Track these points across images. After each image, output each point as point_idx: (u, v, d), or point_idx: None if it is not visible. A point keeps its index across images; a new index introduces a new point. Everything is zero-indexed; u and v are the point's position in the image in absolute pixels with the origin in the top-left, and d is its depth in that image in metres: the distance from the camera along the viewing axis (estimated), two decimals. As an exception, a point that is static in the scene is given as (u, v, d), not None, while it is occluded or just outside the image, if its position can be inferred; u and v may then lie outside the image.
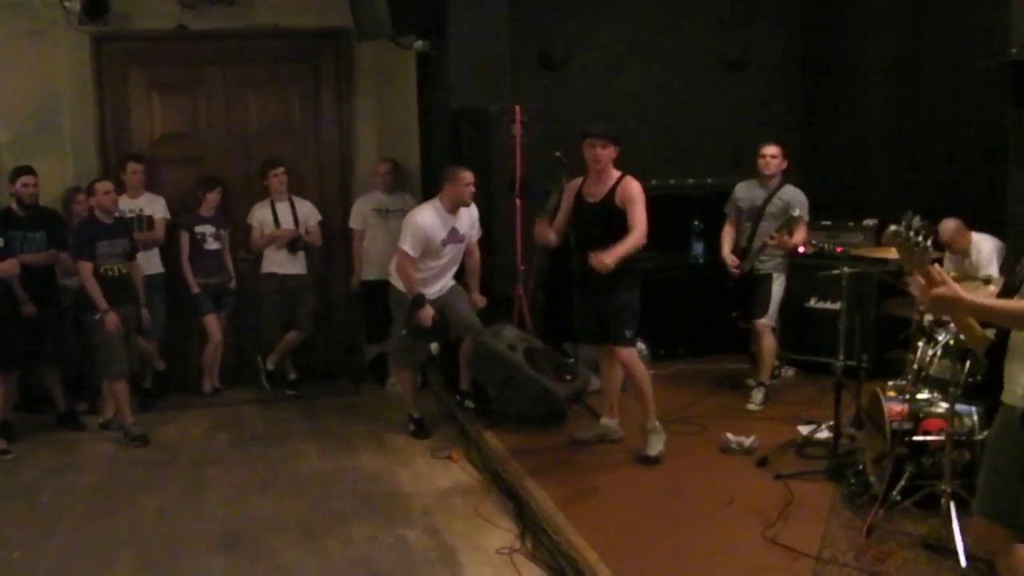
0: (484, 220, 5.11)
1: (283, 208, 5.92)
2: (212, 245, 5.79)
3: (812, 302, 5.72)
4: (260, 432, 5.37)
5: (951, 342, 3.66)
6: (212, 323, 5.82)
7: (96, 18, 5.57)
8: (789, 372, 5.71)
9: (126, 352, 5.08)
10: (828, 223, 5.78)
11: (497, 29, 5.47)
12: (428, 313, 4.78)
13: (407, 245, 4.76)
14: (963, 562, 3.07)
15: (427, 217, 4.80)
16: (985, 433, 3.49)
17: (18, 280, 4.94)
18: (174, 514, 4.18)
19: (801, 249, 5.24)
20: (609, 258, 4.12)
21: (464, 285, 5.17)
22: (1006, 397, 2.46)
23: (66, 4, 5.57)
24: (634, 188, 4.30)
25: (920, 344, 3.92)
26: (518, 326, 5.18)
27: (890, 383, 3.93)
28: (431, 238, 4.79)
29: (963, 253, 4.77)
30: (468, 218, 4.97)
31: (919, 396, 3.70)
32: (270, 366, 6.04)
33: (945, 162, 5.71)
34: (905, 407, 3.63)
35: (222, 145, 6.12)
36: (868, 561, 3.24)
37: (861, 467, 3.87)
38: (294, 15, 6.03)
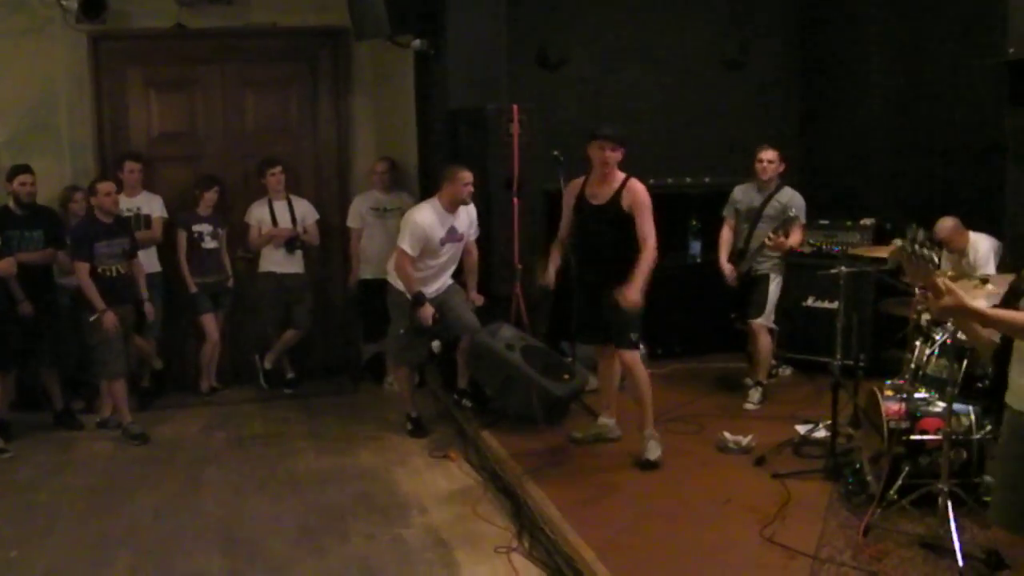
0: (482, 219, 5.11)
1: (281, 207, 5.92)
2: (210, 244, 5.78)
3: (810, 301, 5.73)
4: (258, 431, 5.36)
5: (948, 341, 3.66)
6: (209, 323, 5.81)
7: (93, 17, 5.56)
8: (787, 371, 5.72)
9: (124, 351, 5.08)
10: (826, 222, 5.79)
11: (495, 28, 5.47)
12: (428, 312, 4.78)
13: (406, 244, 4.76)
14: (960, 561, 3.08)
15: (426, 216, 4.80)
16: (982, 432, 3.52)
17: (15, 279, 4.93)
18: (171, 513, 4.18)
19: (799, 248, 5.24)
20: (633, 293, 4.10)
21: (462, 284, 5.17)
22: (1013, 402, 2.47)
23: (63, 3, 5.56)
24: (642, 193, 4.26)
25: (917, 343, 3.93)
26: (515, 325, 5.18)
27: (887, 382, 3.94)
28: (430, 237, 4.79)
29: (960, 252, 4.77)
30: (466, 217, 4.97)
31: (916, 395, 3.70)
32: (268, 365, 6.04)
33: (943, 161, 5.72)
34: (902, 406, 3.63)
35: (220, 144, 6.11)
36: (865, 560, 3.24)
37: (858, 466, 3.88)
38: (292, 14, 6.03)
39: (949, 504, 3.26)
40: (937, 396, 3.66)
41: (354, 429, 5.31)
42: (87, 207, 5.27)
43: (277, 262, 5.91)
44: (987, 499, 3.44)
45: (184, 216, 5.77)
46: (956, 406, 3.46)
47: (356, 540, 3.87)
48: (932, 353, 3.83)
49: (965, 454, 3.51)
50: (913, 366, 3.87)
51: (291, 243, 5.88)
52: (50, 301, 5.17)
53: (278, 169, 5.87)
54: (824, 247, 5.37)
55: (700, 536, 3.56)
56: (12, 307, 4.95)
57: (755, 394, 5.14)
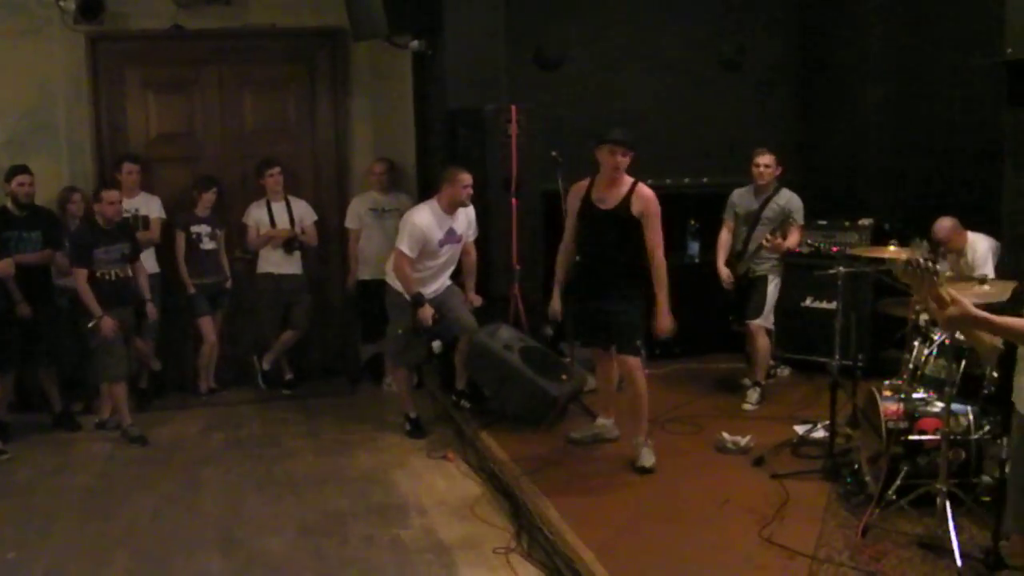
0: (480, 220, 5.11)
1: (279, 208, 5.92)
2: (208, 245, 5.78)
3: (808, 302, 5.73)
4: (256, 432, 5.36)
5: (947, 342, 3.66)
6: (207, 325, 5.81)
7: (91, 18, 5.56)
8: (785, 371, 5.72)
9: (125, 354, 5.07)
10: (824, 223, 5.79)
11: (493, 29, 5.47)
12: (428, 312, 4.78)
13: (404, 245, 4.76)
14: (959, 561, 3.08)
15: (424, 218, 4.80)
16: (980, 433, 3.52)
17: (13, 280, 4.93)
18: (170, 514, 4.17)
19: (797, 249, 5.25)
20: (667, 320, 4.21)
21: (460, 285, 5.17)
22: (1022, 407, 2.47)
23: (61, 4, 5.56)
24: (653, 201, 4.21)
25: (916, 344, 3.93)
26: (514, 326, 5.18)
27: (886, 382, 3.95)
28: (428, 238, 4.79)
29: (958, 252, 4.78)
30: (465, 218, 4.97)
31: (915, 395, 3.70)
32: (266, 366, 6.04)
33: (941, 162, 5.72)
34: (901, 406, 3.64)
35: (218, 145, 6.11)
36: (864, 560, 3.24)
37: (857, 466, 3.88)
38: (290, 15, 6.03)
39: (947, 504, 3.26)
40: (935, 396, 3.66)
41: (352, 430, 5.31)
42: (86, 211, 5.27)
43: (275, 263, 5.91)
44: (985, 499, 3.46)
45: (182, 217, 5.77)
46: (954, 406, 3.46)
47: (354, 541, 3.86)
48: (930, 353, 3.83)
49: (963, 454, 3.51)
50: (911, 366, 3.87)
51: (289, 244, 5.87)
52: (48, 302, 5.16)
53: (276, 170, 5.87)
54: (822, 247, 5.37)
55: (699, 536, 3.56)
56: (10, 308, 4.94)
57: (753, 395, 5.15)
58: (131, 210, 5.59)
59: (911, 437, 3.57)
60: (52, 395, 5.32)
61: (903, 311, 4.20)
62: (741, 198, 5.29)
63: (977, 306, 2.41)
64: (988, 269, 4.64)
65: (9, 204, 5.05)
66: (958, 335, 3.42)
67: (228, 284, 5.94)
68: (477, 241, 5.16)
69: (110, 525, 4.05)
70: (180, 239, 5.71)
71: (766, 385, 5.24)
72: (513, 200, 5.23)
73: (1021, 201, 4.58)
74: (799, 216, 5.05)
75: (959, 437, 3.50)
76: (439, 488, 4.42)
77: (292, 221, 5.92)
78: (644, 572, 3.32)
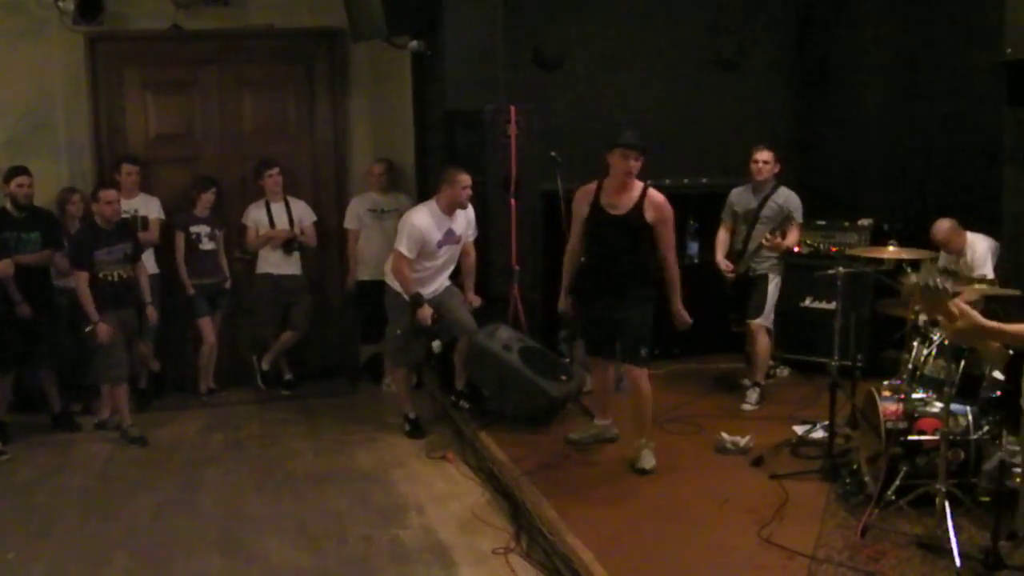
0: (479, 220, 5.11)
1: (278, 209, 5.92)
2: (207, 246, 5.78)
3: (807, 302, 5.73)
4: (255, 432, 5.36)
5: (946, 342, 3.66)
6: (207, 326, 5.81)
7: (90, 18, 5.56)
8: (784, 372, 5.72)
9: (126, 356, 5.06)
10: (823, 223, 5.79)
11: (492, 29, 5.47)
12: (427, 312, 4.78)
13: (403, 246, 4.76)
14: (958, 562, 3.08)
15: (423, 218, 4.80)
16: (979, 433, 3.52)
17: (13, 281, 4.93)
18: (169, 515, 4.17)
19: (796, 249, 5.25)
20: (683, 313, 4.26)
21: (459, 285, 5.17)
22: None
23: (60, 4, 5.56)
24: (668, 207, 4.16)
25: (915, 344, 3.93)
26: (513, 326, 5.18)
27: (885, 383, 3.95)
28: (427, 239, 4.79)
29: (958, 253, 4.78)
30: (464, 219, 4.97)
31: (914, 396, 3.71)
32: (265, 367, 6.04)
33: (940, 162, 5.73)
34: (900, 407, 3.64)
35: (217, 145, 6.11)
36: (863, 560, 3.24)
37: (856, 467, 3.88)
38: (288, 15, 6.03)
39: (946, 504, 3.26)
40: (935, 396, 3.67)
41: (352, 430, 5.31)
42: (86, 212, 5.26)
43: (274, 263, 5.91)
44: (984, 499, 3.46)
45: (181, 218, 5.77)
46: (953, 406, 3.47)
47: (354, 541, 3.86)
48: (929, 353, 3.83)
49: (962, 454, 3.51)
50: (911, 366, 3.87)
51: (288, 244, 5.87)
52: (47, 303, 5.16)
53: (275, 171, 5.87)
54: (821, 248, 5.36)
55: (698, 536, 3.56)
56: (10, 309, 4.94)
57: (753, 395, 5.15)
58: (130, 211, 5.58)
59: (910, 437, 3.57)
60: (51, 396, 5.32)
61: (902, 311, 4.20)
62: (739, 197, 5.29)
63: (986, 304, 2.43)
64: (987, 269, 4.65)
65: (8, 205, 5.05)
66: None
67: (227, 285, 5.94)
68: (476, 241, 5.16)
69: (110, 525, 4.05)
70: (179, 240, 5.71)
71: (765, 385, 5.24)
72: (512, 200, 5.23)
73: (1021, 201, 4.59)
74: (798, 214, 5.05)
75: (958, 437, 3.50)
76: (438, 488, 4.42)
77: (291, 222, 5.92)
78: (643, 572, 3.32)
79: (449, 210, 4.86)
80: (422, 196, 5.61)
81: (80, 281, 4.87)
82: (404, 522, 4.05)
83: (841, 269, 4.27)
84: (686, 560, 3.37)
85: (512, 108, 5.21)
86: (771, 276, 5.14)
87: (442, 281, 5.03)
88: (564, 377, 4.99)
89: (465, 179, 4.81)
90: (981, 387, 3.61)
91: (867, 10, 6.18)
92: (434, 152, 5.88)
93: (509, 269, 5.25)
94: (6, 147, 5.61)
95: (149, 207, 5.71)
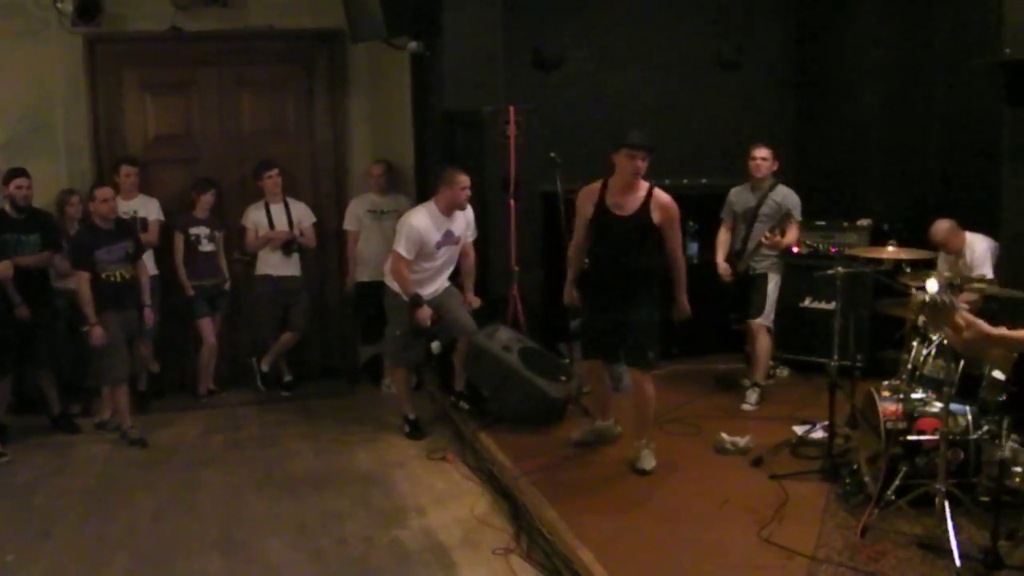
0: (478, 221, 5.11)
1: (277, 210, 5.92)
2: (206, 247, 5.77)
3: (807, 302, 5.73)
4: (255, 434, 5.36)
5: (945, 342, 3.66)
6: (207, 327, 5.80)
7: (89, 19, 5.56)
8: (784, 372, 5.72)
9: (127, 358, 5.05)
10: (822, 223, 5.80)
11: (491, 30, 5.48)
12: (426, 313, 4.78)
13: (401, 247, 4.76)
14: (957, 561, 3.08)
15: (421, 220, 4.80)
16: (979, 433, 3.52)
17: (12, 282, 4.93)
18: (169, 516, 4.17)
19: (795, 249, 5.26)
20: (686, 304, 4.24)
21: (459, 286, 5.17)
22: None
23: (59, 5, 5.56)
24: (675, 207, 4.12)
25: (914, 344, 3.93)
26: (512, 327, 5.18)
27: (884, 383, 3.95)
28: (425, 240, 4.79)
29: (957, 253, 4.79)
30: (463, 220, 4.97)
31: (913, 396, 3.71)
32: (265, 368, 6.03)
33: (939, 162, 5.73)
34: (899, 407, 3.64)
35: (216, 147, 6.11)
36: (863, 560, 3.24)
37: (856, 467, 3.88)
38: (288, 16, 6.02)
39: (946, 504, 3.26)
40: (934, 396, 3.67)
41: (351, 431, 5.31)
42: (85, 213, 5.26)
43: (274, 265, 5.91)
44: (984, 499, 3.46)
45: (181, 219, 5.76)
46: (953, 406, 3.47)
47: (354, 542, 3.86)
48: (929, 353, 3.83)
49: (962, 454, 3.51)
50: (910, 366, 3.87)
51: (288, 246, 5.87)
52: (46, 304, 5.16)
53: (275, 172, 5.87)
54: (821, 248, 5.37)
55: (698, 537, 3.56)
56: (9, 310, 4.94)
57: (752, 395, 5.15)
58: (129, 212, 5.58)
59: (910, 437, 3.58)
60: (51, 397, 5.32)
61: (902, 311, 4.21)
62: (738, 196, 5.30)
63: (985, 304, 2.44)
64: (986, 269, 4.65)
65: (7, 207, 5.04)
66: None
67: (227, 286, 5.94)
68: (476, 242, 5.16)
69: (109, 527, 4.05)
70: (179, 241, 5.71)
71: (765, 386, 5.24)
72: (511, 201, 5.23)
73: (1019, 201, 4.59)
74: (796, 212, 5.05)
75: (958, 437, 3.50)
76: (438, 489, 4.42)
77: (290, 223, 5.92)
78: (643, 572, 3.32)
79: (448, 211, 4.86)
80: (421, 197, 5.61)
81: (81, 282, 4.86)
82: (404, 523, 4.05)
83: (840, 269, 4.27)
84: (686, 560, 3.37)
85: (511, 109, 5.21)
86: (771, 275, 5.15)
87: (441, 282, 5.03)
88: (564, 378, 4.99)
89: (464, 180, 4.80)
90: (980, 387, 3.61)
91: (866, 10, 6.18)
92: (433, 153, 5.88)
93: (508, 270, 5.25)
94: (5, 148, 5.59)
95: (148, 208, 5.71)
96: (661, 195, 4.15)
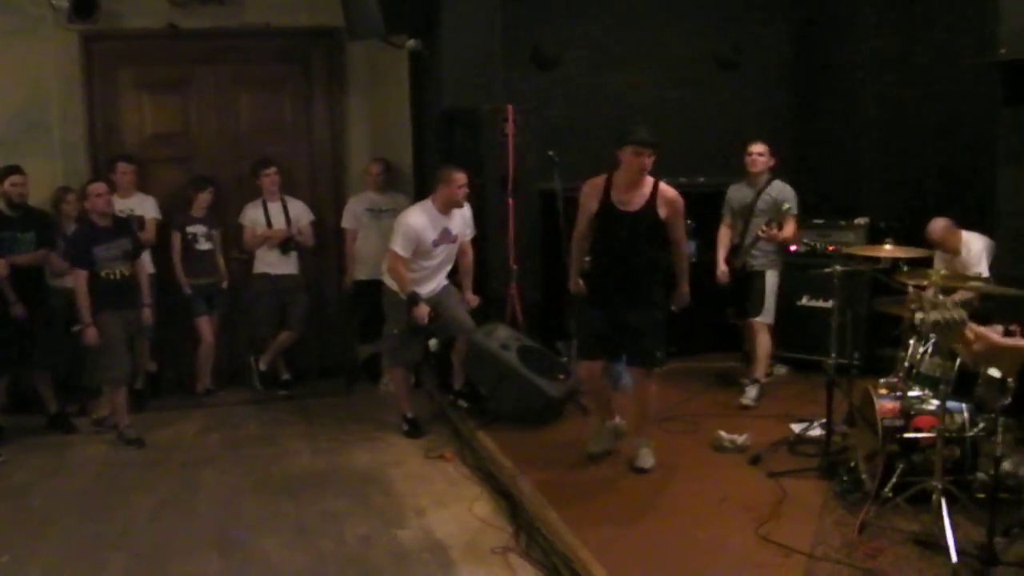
0: (477, 219, 5.11)
1: (275, 208, 5.91)
2: (204, 245, 5.76)
3: (804, 300, 5.75)
4: (253, 433, 5.35)
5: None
6: (204, 325, 5.80)
7: (85, 17, 5.54)
8: (781, 370, 5.74)
9: (126, 358, 5.03)
10: (820, 222, 5.81)
11: (489, 28, 5.48)
12: (423, 311, 4.78)
13: (398, 246, 4.76)
14: (954, 558, 3.09)
15: (418, 218, 4.80)
16: (975, 430, 3.54)
17: (7, 281, 4.91)
18: (167, 515, 4.16)
19: (793, 247, 5.27)
20: (688, 298, 4.20)
21: (457, 285, 5.17)
22: None
23: (54, 2, 5.54)
24: (678, 200, 4.09)
25: (911, 342, 3.94)
26: (511, 325, 5.18)
27: (882, 380, 3.96)
28: (422, 239, 4.79)
29: (953, 251, 4.80)
30: (461, 218, 4.97)
31: (910, 393, 3.72)
32: (263, 367, 6.03)
33: (936, 161, 5.75)
34: (897, 404, 3.65)
35: (213, 145, 6.10)
36: (860, 557, 3.25)
37: (853, 464, 3.89)
38: (285, 14, 6.02)
39: (943, 501, 3.27)
40: (931, 394, 3.68)
41: (350, 430, 5.30)
42: (81, 212, 5.25)
43: (271, 263, 5.90)
44: (980, 496, 3.47)
45: (178, 218, 5.75)
46: (950, 404, 3.48)
47: (352, 541, 3.86)
48: (926, 351, 3.84)
49: (959, 451, 3.53)
50: (907, 364, 3.88)
51: (285, 244, 5.86)
52: (42, 303, 5.15)
53: (272, 170, 5.86)
54: (818, 246, 5.37)
55: (696, 534, 3.56)
56: (4, 309, 4.93)
57: (752, 390, 5.15)
58: (126, 211, 5.57)
59: (907, 435, 3.58)
60: (47, 397, 5.31)
61: (899, 309, 4.22)
62: (736, 192, 5.34)
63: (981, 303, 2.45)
64: (983, 268, 4.67)
65: (2, 205, 5.03)
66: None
67: (224, 284, 5.93)
68: (474, 241, 5.16)
69: (106, 527, 4.04)
70: (176, 240, 5.70)
71: (764, 383, 5.25)
72: (510, 200, 5.23)
73: (1015, 200, 4.60)
74: (793, 206, 5.07)
75: (954, 434, 3.52)
76: (437, 488, 4.42)
77: (288, 221, 5.91)
78: (641, 570, 3.32)
79: (445, 209, 4.86)
80: (420, 196, 5.60)
81: (79, 280, 4.84)
82: (403, 522, 4.04)
83: (838, 267, 4.28)
84: (684, 558, 3.38)
85: (510, 107, 5.22)
86: (768, 272, 5.16)
87: (440, 280, 5.03)
88: (562, 376, 4.99)
89: (461, 178, 4.80)
90: (977, 384, 3.62)
91: (865, 10, 6.19)
92: (432, 151, 5.88)
93: (507, 268, 5.26)
94: (0, 146, 5.59)
95: (145, 207, 5.70)
96: (667, 189, 4.11)
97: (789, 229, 5.03)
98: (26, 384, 5.38)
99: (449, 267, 5.07)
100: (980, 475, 3.54)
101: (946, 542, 3.15)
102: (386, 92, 6.22)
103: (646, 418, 4.30)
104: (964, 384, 3.64)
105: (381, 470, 4.68)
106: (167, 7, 5.78)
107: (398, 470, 4.67)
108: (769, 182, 5.19)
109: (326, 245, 6.21)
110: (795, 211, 5.09)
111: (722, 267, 5.23)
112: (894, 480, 3.53)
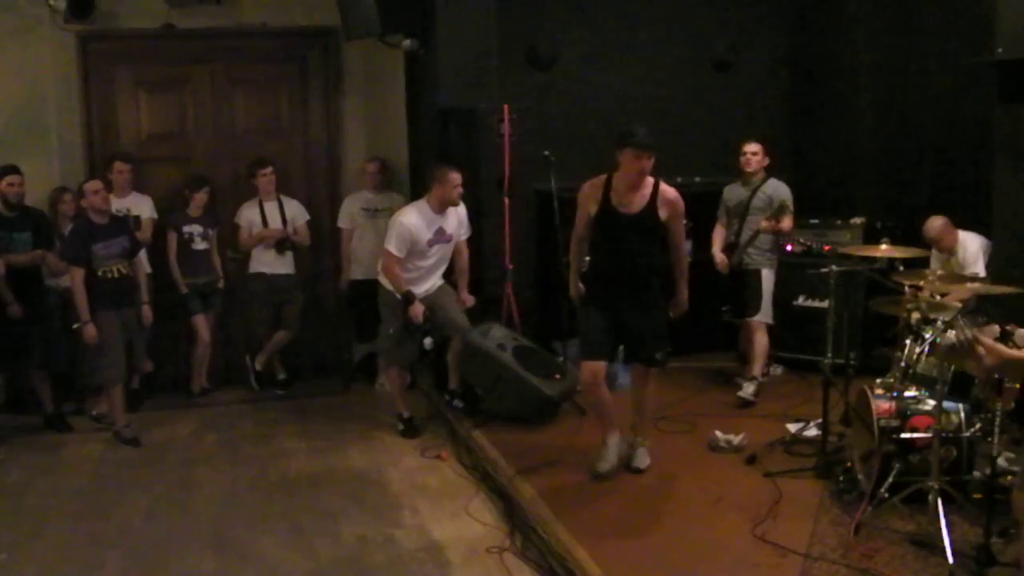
0: (473, 219, 5.11)
1: (271, 208, 5.90)
2: (200, 245, 5.76)
3: (800, 300, 5.75)
4: (249, 432, 5.35)
5: (938, 340, 3.68)
6: (200, 324, 5.79)
7: (82, 17, 5.54)
8: (778, 370, 5.74)
9: (124, 357, 5.02)
10: (816, 222, 5.81)
11: (485, 28, 5.46)
12: (419, 310, 4.78)
13: (391, 245, 4.76)
14: (950, 558, 3.09)
15: (412, 218, 4.80)
16: (972, 430, 3.54)
17: (4, 281, 4.90)
18: (163, 514, 4.16)
19: (789, 247, 5.27)
20: (686, 305, 4.17)
21: (453, 285, 5.16)
22: None
23: (51, 2, 5.54)
24: (679, 200, 4.06)
25: (907, 342, 3.94)
26: (507, 325, 5.18)
27: (878, 380, 3.96)
28: (416, 239, 4.79)
29: (950, 251, 4.80)
30: (456, 218, 4.97)
31: (906, 393, 3.72)
32: (259, 366, 6.02)
33: (932, 161, 5.75)
34: (893, 404, 3.65)
35: (210, 144, 6.09)
36: (856, 558, 3.25)
37: (849, 464, 3.89)
38: (282, 14, 6.01)
39: (939, 501, 3.27)
40: (927, 394, 3.68)
41: (345, 430, 5.30)
42: (78, 211, 5.24)
43: (267, 263, 5.89)
44: (977, 496, 3.47)
45: (174, 217, 5.75)
46: (946, 404, 3.48)
47: (348, 541, 3.86)
48: (922, 351, 3.84)
49: (955, 452, 3.52)
50: (903, 364, 3.88)
51: (281, 244, 5.86)
52: (39, 303, 5.14)
53: (268, 170, 5.86)
54: (814, 246, 5.38)
55: (692, 535, 3.56)
56: (1, 309, 4.92)
57: (749, 386, 5.14)
58: (122, 210, 5.56)
59: (903, 435, 3.58)
60: (43, 396, 5.30)
61: (895, 309, 4.21)
62: (731, 192, 5.36)
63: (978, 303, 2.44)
64: (979, 268, 4.67)
65: (-1, 204, 5.03)
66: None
67: (220, 284, 5.93)
68: (469, 240, 5.15)
69: (102, 526, 4.04)
70: (172, 239, 5.70)
71: (762, 381, 5.25)
72: (506, 199, 5.23)
73: (1012, 199, 4.60)
74: (788, 202, 5.08)
75: (951, 435, 3.52)
76: (432, 487, 4.42)
77: (284, 221, 5.90)
78: (637, 570, 3.32)
79: (440, 208, 4.85)
80: (416, 195, 5.60)
81: (76, 277, 4.82)
82: (398, 521, 4.04)
83: (834, 267, 4.28)
84: (680, 558, 3.38)
85: (505, 107, 5.21)
86: (764, 271, 5.17)
87: (435, 280, 5.03)
88: (558, 376, 4.99)
89: (456, 177, 4.80)
90: (973, 384, 3.62)
91: (859, 9, 6.19)
92: (427, 151, 5.88)
93: (503, 268, 5.25)
94: (-4, 146, 5.58)
95: (142, 206, 5.69)
96: (667, 190, 4.07)
97: (787, 223, 5.05)
98: (22, 383, 5.37)
99: (444, 267, 5.06)
100: (977, 475, 3.54)
101: (942, 542, 3.15)
102: (382, 92, 6.21)
103: (644, 417, 4.29)
104: (960, 384, 3.64)
105: (377, 469, 4.68)
106: (164, 7, 5.77)
107: (394, 470, 4.67)
108: (764, 181, 5.21)
109: (322, 245, 6.20)
110: (791, 207, 5.10)
111: (719, 256, 5.23)
112: (890, 480, 3.53)
